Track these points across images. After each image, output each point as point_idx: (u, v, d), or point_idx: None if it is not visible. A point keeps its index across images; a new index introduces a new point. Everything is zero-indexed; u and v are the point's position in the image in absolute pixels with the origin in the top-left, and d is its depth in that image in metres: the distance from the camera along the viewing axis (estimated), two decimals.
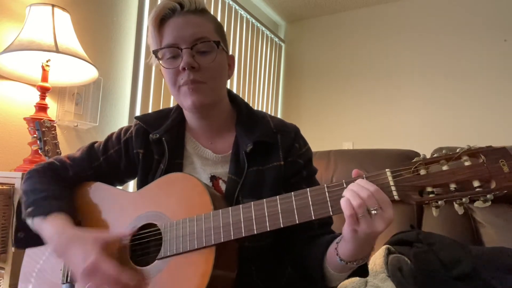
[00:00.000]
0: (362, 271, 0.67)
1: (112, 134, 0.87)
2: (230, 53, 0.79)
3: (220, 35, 0.77)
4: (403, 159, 1.56)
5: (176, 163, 0.79)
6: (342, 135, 3.00)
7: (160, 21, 0.73)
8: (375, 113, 2.92)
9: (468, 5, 2.67)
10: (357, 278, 1.12)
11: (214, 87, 0.75)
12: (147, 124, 0.82)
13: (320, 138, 3.02)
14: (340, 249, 0.62)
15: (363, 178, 0.58)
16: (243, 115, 0.82)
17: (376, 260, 1.14)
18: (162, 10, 0.73)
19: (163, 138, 0.79)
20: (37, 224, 0.73)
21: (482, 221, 1.35)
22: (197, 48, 0.72)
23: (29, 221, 0.75)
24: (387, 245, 1.19)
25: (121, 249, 0.70)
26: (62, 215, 0.73)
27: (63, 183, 0.82)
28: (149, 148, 0.81)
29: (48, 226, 0.71)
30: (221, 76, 0.77)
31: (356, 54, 3.06)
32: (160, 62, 0.75)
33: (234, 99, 0.85)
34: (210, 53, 0.73)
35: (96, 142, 0.88)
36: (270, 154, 0.77)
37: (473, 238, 1.33)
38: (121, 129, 0.87)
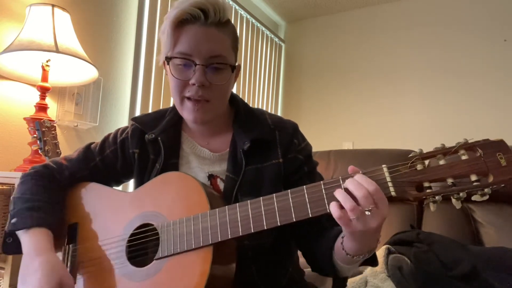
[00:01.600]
0: (371, 261, 0.67)
1: (109, 135, 0.87)
2: None
3: (235, 50, 0.76)
4: (403, 159, 1.55)
5: (172, 163, 0.79)
6: (342, 135, 3.00)
7: (178, 24, 0.70)
8: (375, 113, 2.91)
9: (468, 5, 2.67)
10: (358, 278, 1.12)
11: (219, 105, 0.75)
12: (143, 124, 0.82)
13: (320, 138, 3.02)
14: (345, 245, 0.62)
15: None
16: (240, 113, 0.81)
17: None
18: (184, 14, 0.69)
19: (159, 138, 0.78)
20: (19, 236, 0.73)
21: (482, 221, 1.34)
22: (212, 66, 0.71)
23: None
24: (387, 245, 1.19)
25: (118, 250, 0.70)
26: (43, 230, 0.73)
27: (58, 186, 0.82)
28: (144, 148, 0.81)
29: (27, 242, 0.71)
30: (228, 93, 0.78)
31: (356, 54, 3.06)
32: (169, 65, 0.73)
33: (232, 97, 0.84)
34: (223, 72, 0.72)
35: (93, 142, 0.88)
36: (268, 152, 0.77)
37: (473, 238, 1.33)
38: (118, 129, 0.87)
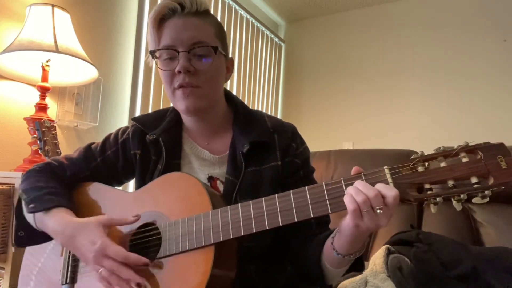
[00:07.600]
0: (358, 265, 0.68)
1: (109, 135, 0.87)
2: (230, 54, 0.79)
3: (220, 38, 0.77)
4: (403, 159, 1.55)
5: (173, 164, 0.79)
6: (342, 135, 3.00)
7: (160, 21, 0.73)
8: (375, 113, 2.91)
9: (468, 5, 2.67)
10: (358, 278, 1.12)
11: (209, 91, 0.74)
12: (144, 125, 0.82)
13: (320, 138, 3.02)
14: (336, 243, 0.63)
15: (361, 176, 0.58)
16: (240, 115, 0.81)
17: (376, 260, 1.13)
18: (162, 9, 0.72)
19: (160, 139, 0.79)
20: (39, 220, 0.73)
21: (482, 221, 1.34)
22: (194, 52, 0.71)
23: (31, 218, 0.75)
24: (387, 245, 1.19)
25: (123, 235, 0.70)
26: (63, 209, 0.73)
27: (62, 182, 0.82)
28: (146, 149, 0.81)
29: (51, 220, 0.71)
30: (217, 80, 0.77)
31: (356, 54, 3.06)
32: (157, 62, 0.75)
33: (231, 99, 0.85)
34: (207, 57, 0.73)
35: (93, 143, 0.88)
36: (267, 154, 0.77)
37: (473, 238, 1.33)
38: (119, 130, 0.87)
